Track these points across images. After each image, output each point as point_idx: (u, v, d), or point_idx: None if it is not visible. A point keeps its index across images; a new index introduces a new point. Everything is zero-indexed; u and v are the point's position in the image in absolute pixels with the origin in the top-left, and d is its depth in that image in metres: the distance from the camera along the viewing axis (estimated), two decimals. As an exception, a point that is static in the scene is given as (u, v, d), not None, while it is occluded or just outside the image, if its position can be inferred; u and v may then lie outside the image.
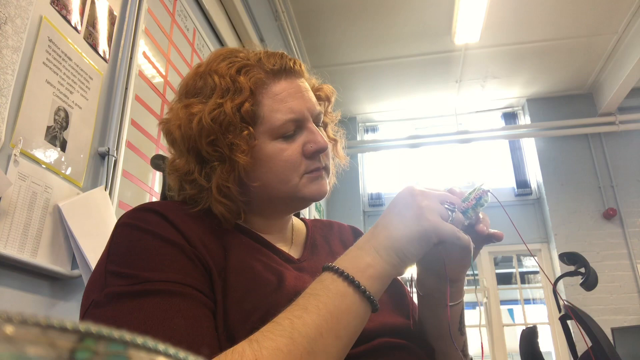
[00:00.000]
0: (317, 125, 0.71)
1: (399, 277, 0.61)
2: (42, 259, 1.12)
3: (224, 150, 0.62)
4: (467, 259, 0.60)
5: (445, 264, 0.61)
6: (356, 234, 0.86)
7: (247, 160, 0.62)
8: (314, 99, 0.71)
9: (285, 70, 0.68)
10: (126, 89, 1.52)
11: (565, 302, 0.73)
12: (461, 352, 0.70)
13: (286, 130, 0.65)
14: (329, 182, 0.71)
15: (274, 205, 0.69)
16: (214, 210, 0.64)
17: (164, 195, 0.83)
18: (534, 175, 4.91)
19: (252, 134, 0.63)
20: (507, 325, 4.77)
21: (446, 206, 0.55)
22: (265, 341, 0.45)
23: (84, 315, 0.53)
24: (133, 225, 0.57)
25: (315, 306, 0.48)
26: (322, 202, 4.66)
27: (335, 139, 0.79)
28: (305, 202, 0.69)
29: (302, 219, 0.84)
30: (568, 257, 0.81)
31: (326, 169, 0.69)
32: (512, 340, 4.47)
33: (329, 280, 0.51)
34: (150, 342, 0.16)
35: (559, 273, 4.25)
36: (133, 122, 1.57)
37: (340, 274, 0.51)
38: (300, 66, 0.71)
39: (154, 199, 1.69)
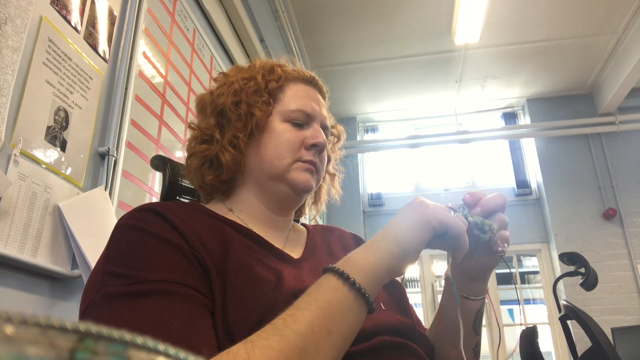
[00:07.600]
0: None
1: (398, 279, 0.61)
2: (42, 259, 1.12)
3: (244, 109, 0.72)
4: (487, 260, 0.65)
5: (453, 259, 0.66)
6: (357, 240, 0.87)
7: (261, 115, 0.71)
8: (326, 115, 0.79)
9: (313, 83, 0.80)
10: (126, 89, 1.51)
11: (565, 302, 0.73)
12: (472, 351, 0.73)
13: (296, 117, 0.74)
14: (316, 180, 0.75)
15: (264, 187, 0.73)
16: (221, 158, 0.71)
17: (164, 195, 0.83)
18: (534, 175, 4.91)
19: (271, 103, 0.74)
20: (507, 325, 4.77)
21: (450, 206, 0.60)
22: (259, 341, 0.45)
23: (82, 315, 0.53)
24: (132, 226, 0.58)
25: (307, 303, 0.49)
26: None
27: (334, 174, 0.87)
28: (291, 186, 0.72)
29: (304, 224, 0.86)
30: (568, 257, 0.81)
31: (317, 168, 0.74)
32: (512, 340, 4.47)
33: (323, 278, 0.53)
34: (150, 342, 0.16)
35: (559, 273, 4.24)
36: (133, 122, 1.57)
37: (333, 270, 0.52)
38: (326, 91, 0.83)
39: (154, 199, 1.69)
